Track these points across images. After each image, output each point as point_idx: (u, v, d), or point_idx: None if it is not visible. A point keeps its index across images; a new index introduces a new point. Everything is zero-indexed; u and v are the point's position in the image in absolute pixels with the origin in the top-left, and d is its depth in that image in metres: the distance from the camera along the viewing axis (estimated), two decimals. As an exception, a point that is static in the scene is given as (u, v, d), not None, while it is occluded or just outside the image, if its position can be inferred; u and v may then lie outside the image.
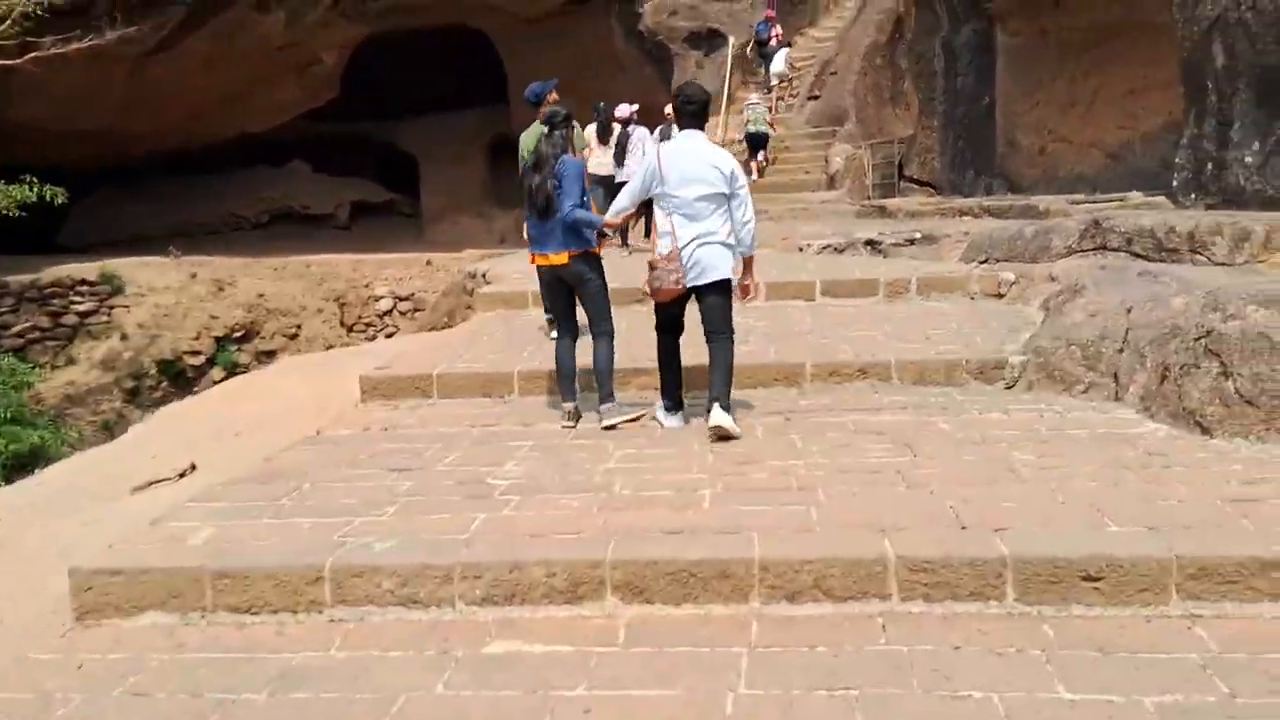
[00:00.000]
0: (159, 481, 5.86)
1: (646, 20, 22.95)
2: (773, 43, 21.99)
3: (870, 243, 10.94)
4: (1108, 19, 11.17)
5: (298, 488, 4.78)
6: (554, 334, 6.37)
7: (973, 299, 8.91)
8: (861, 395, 6.40)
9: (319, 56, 23.00)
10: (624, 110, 13.28)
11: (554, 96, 8.12)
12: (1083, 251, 8.79)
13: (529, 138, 7.59)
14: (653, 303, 5.84)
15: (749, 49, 22.59)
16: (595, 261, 6.01)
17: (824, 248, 11.46)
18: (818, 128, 21.12)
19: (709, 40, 22.97)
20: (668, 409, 5.91)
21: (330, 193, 27.36)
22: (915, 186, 15.61)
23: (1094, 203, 10.45)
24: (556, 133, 6.01)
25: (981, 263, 9.38)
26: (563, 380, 6.11)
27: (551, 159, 5.91)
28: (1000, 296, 8.90)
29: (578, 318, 6.21)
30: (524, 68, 25.61)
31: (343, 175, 28.04)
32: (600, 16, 23.68)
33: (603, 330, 6.00)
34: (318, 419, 7.01)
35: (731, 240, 5.64)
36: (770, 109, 20.14)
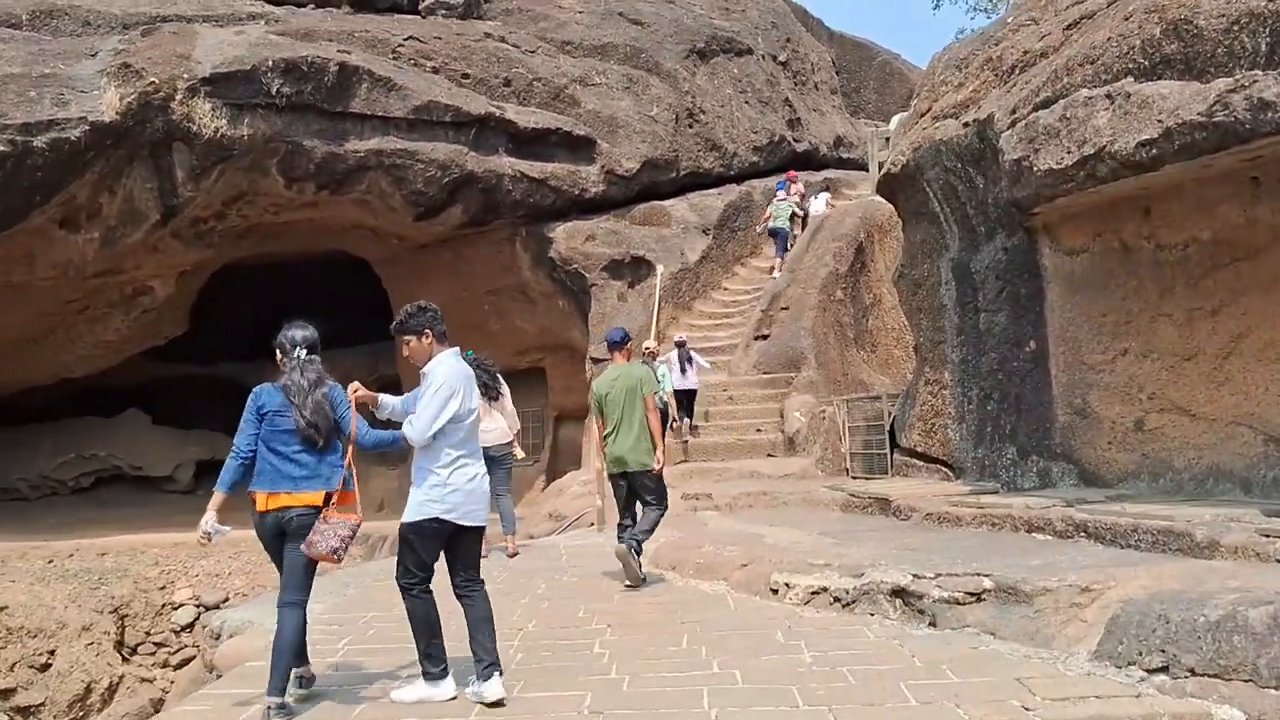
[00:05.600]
0: None
1: (559, 246, 19.04)
2: (795, 197, 20.74)
3: (902, 593, 6.25)
4: (1244, 225, 7.04)
5: None
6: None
7: (1162, 765, 4.26)
8: None
9: (148, 286, 18.53)
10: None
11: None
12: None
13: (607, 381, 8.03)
14: (404, 554, 5.06)
15: (769, 209, 20.75)
16: None
17: (815, 593, 6.75)
18: (769, 373, 16.97)
19: (633, 269, 19.12)
20: (437, 676, 5.02)
21: (172, 449, 22.42)
22: (918, 462, 11.15)
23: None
24: (314, 358, 5.35)
25: (1153, 671, 4.71)
26: (281, 663, 4.89)
27: (315, 386, 5.23)
28: (1218, 759, 4.28)
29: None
30: (412, 300, 21.49)
31: (194, 427, 23.15)
32: (503, 242, 19.73)
33: (299, 601, 5.12)
34: None
35: None
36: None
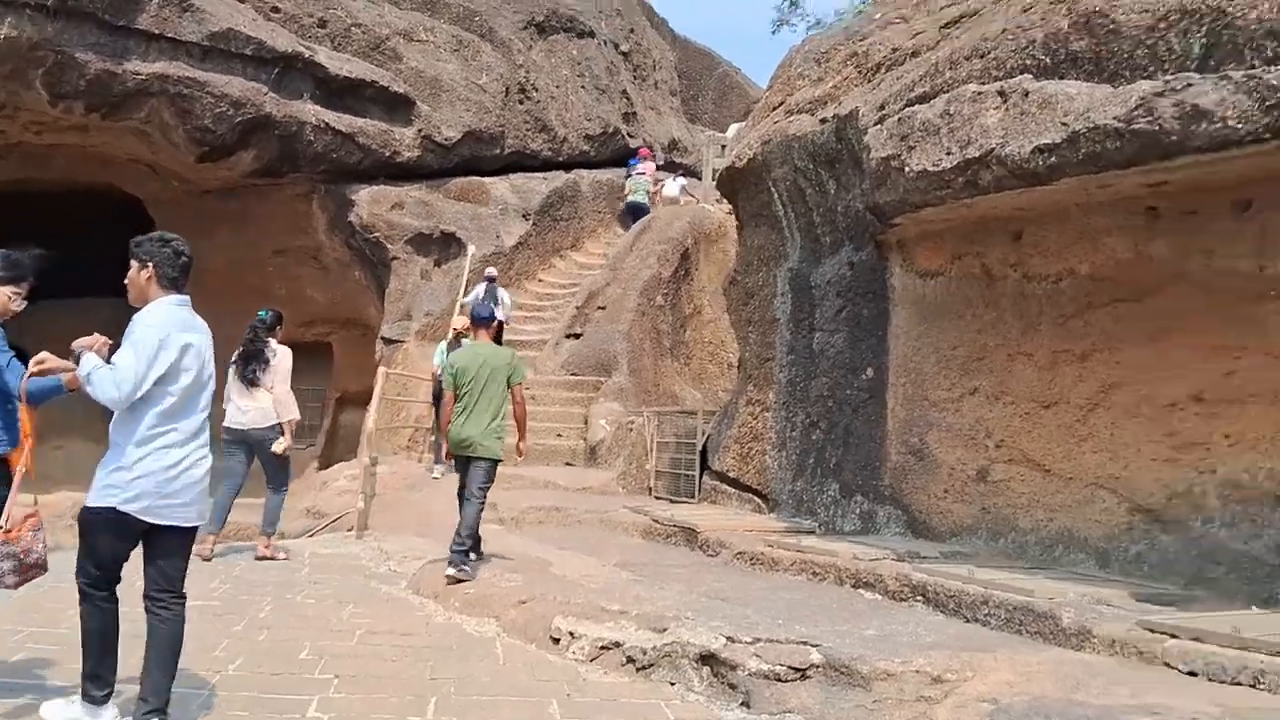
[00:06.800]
0: None
1: (361, 211, 17.25)
2: (646, 175, 20.56)
3: (712, 660, 5.05)
4: (1132, 262, 6.19)
5: None
6: None
7: None
8: None
9: None
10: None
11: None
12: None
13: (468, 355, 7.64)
14: (80, 547, 3.99)
15: (626, 184, 20.63)
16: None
17: (605, 648, 5.46)
18: (577, 375, 15.74)
19: (442, 246, 17.55)
20: (98, 701, 3.94)
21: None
22: (730, 489, 10.10)
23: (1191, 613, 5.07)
24: None
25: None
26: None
27: None
28: None
29: None
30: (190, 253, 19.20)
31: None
32: (298, 199, 17.78)
33: None
34: None
35: None
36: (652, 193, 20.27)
